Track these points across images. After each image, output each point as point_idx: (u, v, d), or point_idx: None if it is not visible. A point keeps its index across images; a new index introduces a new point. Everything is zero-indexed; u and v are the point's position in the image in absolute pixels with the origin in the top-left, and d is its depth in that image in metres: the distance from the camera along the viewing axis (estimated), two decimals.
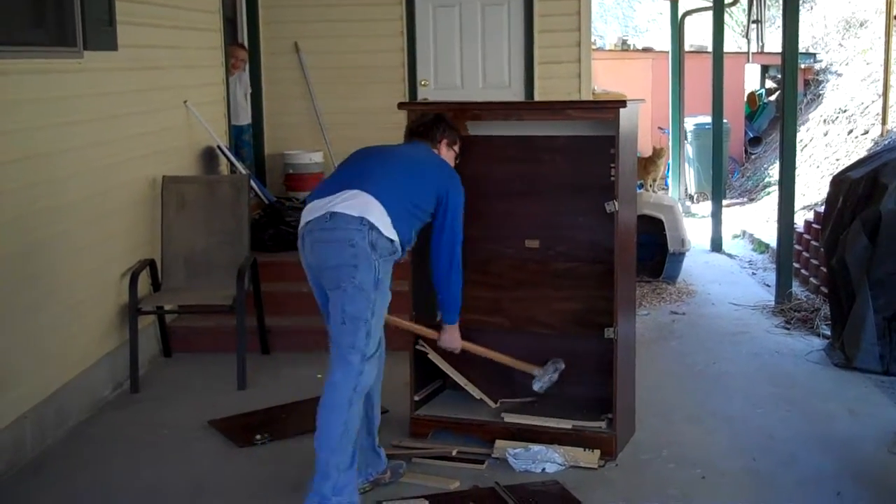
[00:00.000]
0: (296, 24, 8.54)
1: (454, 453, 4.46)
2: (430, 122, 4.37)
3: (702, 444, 4.71)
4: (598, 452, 4.41)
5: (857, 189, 6.04)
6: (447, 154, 4.37)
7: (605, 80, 13.46)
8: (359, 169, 4.06)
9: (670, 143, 12.40)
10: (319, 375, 5.70)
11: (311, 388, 5.51)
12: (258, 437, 4.80)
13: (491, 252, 4.94)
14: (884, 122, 10.13)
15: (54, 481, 4.40)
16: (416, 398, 4.84)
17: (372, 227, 3.80)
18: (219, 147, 7.20)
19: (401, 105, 4.82)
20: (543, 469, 4.30)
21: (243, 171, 7.19)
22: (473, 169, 4.88)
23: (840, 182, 6.39)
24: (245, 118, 8.30)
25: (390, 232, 3.86)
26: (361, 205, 3.84)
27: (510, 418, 4.65)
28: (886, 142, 9.50)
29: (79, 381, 5.16)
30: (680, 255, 8.10)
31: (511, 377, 4.94)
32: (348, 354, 3.83)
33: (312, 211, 3.96)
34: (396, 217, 3.89)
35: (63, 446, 4.79)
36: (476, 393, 4.77)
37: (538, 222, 4.84)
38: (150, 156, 6.15)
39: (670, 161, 12.41)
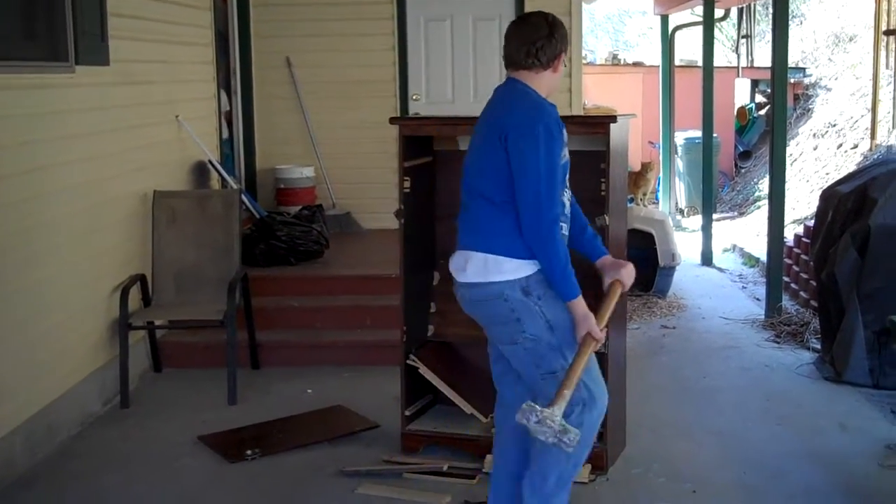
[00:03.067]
0: (288, 38, 8.56)
1: (445, 468, 4.46)
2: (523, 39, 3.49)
3: (692, 458, 4.71)
4: (588, 467, 4.40)
5: (846, 203, 6.07)
6: (550, 76, 3.55)
7: (595, 94, 13.50)
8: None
9: (661, 158, 12.44)
10: (310, 390, 5.74)
11: (302, 403, 5.53)
12: (249, 452, 4.78)
13: None
14: (873, 136, 10.18)
15: (45, 497, 4.39)
16: (407, 413, 4.84)
17: (509, 281, 3.41)
18: (210, 161, 7.21)
19: (392, 120, 4.84)
20: None
21: (234, 186, 7.19)
22: (461, 183, 4.89)
23: (829, 196, 6.42)
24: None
25: (521, 269, 3.41)
26: (471, 269, 3.47)
27: None
28: (875, 156, 9.54)
29: (69, 397, 5.14)
30: (670, 270, 8.12)
31: None
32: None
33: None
34: (501, 243, 3.42)
35: (53, 462, 4.77)
36: (467, 408, 4.77)
37: None
38: (141, 170, 6.15)
39: (661, 175, 12.45)
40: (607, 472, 4.45)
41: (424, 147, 4.89)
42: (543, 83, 3.53)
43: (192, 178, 7.12)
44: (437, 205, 5.01)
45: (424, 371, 4.79)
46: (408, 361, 4.79)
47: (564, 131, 3.46)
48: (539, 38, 3.46)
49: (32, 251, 4.82)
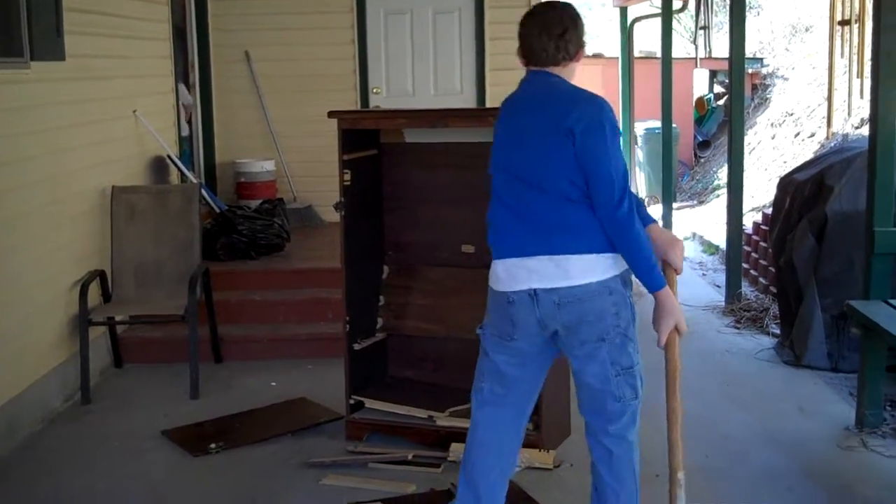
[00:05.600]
0: (246, 32, 8.52)
1: (410, 457, 4.47)
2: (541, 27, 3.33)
3: (655, 442, 4.71)
4: (553, 453, 4.44)
5: (803, 191, 6.14)
6: (575, 67, 3.41)
7: None
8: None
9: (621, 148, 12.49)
10: (273, 383, 5.72)
11: (265, 395, 5.52)
12: (213, 445, 4.77)
13: (427, 258, 4.96)
14: (829, 125, 10.30)
15: (6, 494, 4.35)
16: (352, 402, 4.85)
17: (615, 276, 3.24)
18: (169, 156, 7.16)
19: (331, 114, 4.72)
20: None
21: (194, 181, 7.15)
22: (408, 175, 4.93)
23: (787, 184, 6.50)
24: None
25: (622, 261, 3.23)
26: (576, 271, 3.20)
27: (441, 421, 4.64)
28: (832, 144, 9.66)
29: (30, 393, 5.09)
30: None
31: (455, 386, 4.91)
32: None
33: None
34: (603, 240, 3.20)
35: (15, 458, 4.73)
36: (423, 414, 4.73)
37: (473, 227, 4.80)
38: (99, 166, 6.10)
39: None
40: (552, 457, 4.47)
41: (370, 140, 4.89)
42: (573, 75, 3.40)
43: (151, 174, 7.06)
44: (384, 197, 5.02)
45: (371, 403, 4.85)
46: (354, 346, 4.85)
47: None
48: (566, 30, 3.31)
49: None
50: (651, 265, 3.21)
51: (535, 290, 3.22)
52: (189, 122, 8.34)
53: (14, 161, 5.01)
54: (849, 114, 10.07)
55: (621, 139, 3.39)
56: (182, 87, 8.25)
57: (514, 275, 3.26)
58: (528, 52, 3.37)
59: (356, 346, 4.87)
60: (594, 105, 3.24)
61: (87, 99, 5.96)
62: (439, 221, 4.89)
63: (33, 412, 5.12)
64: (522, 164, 3.27)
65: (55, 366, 5.42)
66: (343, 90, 8.45)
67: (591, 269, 3.21)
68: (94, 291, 5.75)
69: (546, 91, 3.33)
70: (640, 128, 12.82)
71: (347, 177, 4.68)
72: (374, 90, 8.57)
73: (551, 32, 3.30)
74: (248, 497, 4.24)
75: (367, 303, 4.98)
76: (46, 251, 5.38)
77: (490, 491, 3.46)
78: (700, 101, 14.66)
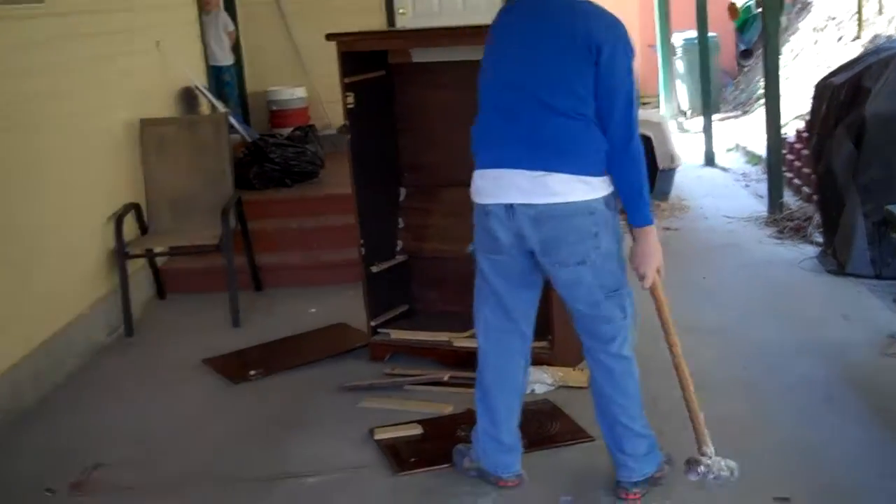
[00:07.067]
0: None
1: (446, 378, 4.47)
2: None
3: (693, 355, 4.65)
4: (587, 371, 4.39)
5: (839, 95, 5.96)
6: None
7: None
8: None
9: (660, 61, 12.25)
10: (313, 309, 5.75)
11: (304, 322, 5.56)
12: (253, 372, 4.82)
13: (444, 179, 4.88)
14: (859, 26, 10.01)
15: (53, 427, 4.43)
16: (373, 324, 4.88)
17: (597, 198, 3.21)
18: (196, 87, 7.12)
19: (328, 36, 4.65)
20: (533, 390, 4.30)
21: (222, 110, 7.13)
22: (418, 96, 4.84)
23: (823, 89, 6.31)
24: (224, 58, 8.18)
25: (606, 184, 3.21)
26: (558, 188, 3.18)
27: (458, 342, 4.64)
28: (872, 46, 9.38)
29: (73, 327, 5.16)
30: (670, 171, 8.05)
31: None
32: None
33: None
34: (590, 161, 3.19)
35: (60, 392, 4.81)
36: (444, 336, 4.74)
37: None
38: (124, 99, 6.08)
39: (661, 78, 12.25)
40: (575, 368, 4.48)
41: (380, 61, 4.82)
42: None
43: (180, 105, 7.04)
44: (397, 118, 4.97)
45: (397, 334, 4.87)
46: (372, 269, 4.84)
47: None
48: None
49: (19, 188, 4.78)
50: (646, 198, 3.20)
51: (511, 204, 3.21)
52: (234, 49, 8.35)
53: (35, 97, 4.97)
54: (879, 12, 9.76)
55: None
56: (224, 13, 8.21)
57: (494, 186, 3.26)
58: None
59: (374, 269, 4.86)
60: (620, 27, 3.18)
61: (108, 31, 5.91)
62: (453, 141, 4.80)
63: (77, 346, 5.18)
64: (530, 74, 3.19)
65: (97, 299, 5.48)
66: (370, 11, 8.34)
67: (574, 188, 3.15)
68: (131, 225, 5.78)
69: (565, 4, 3.21)
70: (678, 38, 12.53)
71: (350, 99, 4.63)
72: (401, 11, 8.45)
73: None
74: (288, 422, 4.28)
75: (385, 226, 4.96)
76: (78, 187, 5.39)
77: (508, 415, 3.52)
78: (732, 7, 14.25)
